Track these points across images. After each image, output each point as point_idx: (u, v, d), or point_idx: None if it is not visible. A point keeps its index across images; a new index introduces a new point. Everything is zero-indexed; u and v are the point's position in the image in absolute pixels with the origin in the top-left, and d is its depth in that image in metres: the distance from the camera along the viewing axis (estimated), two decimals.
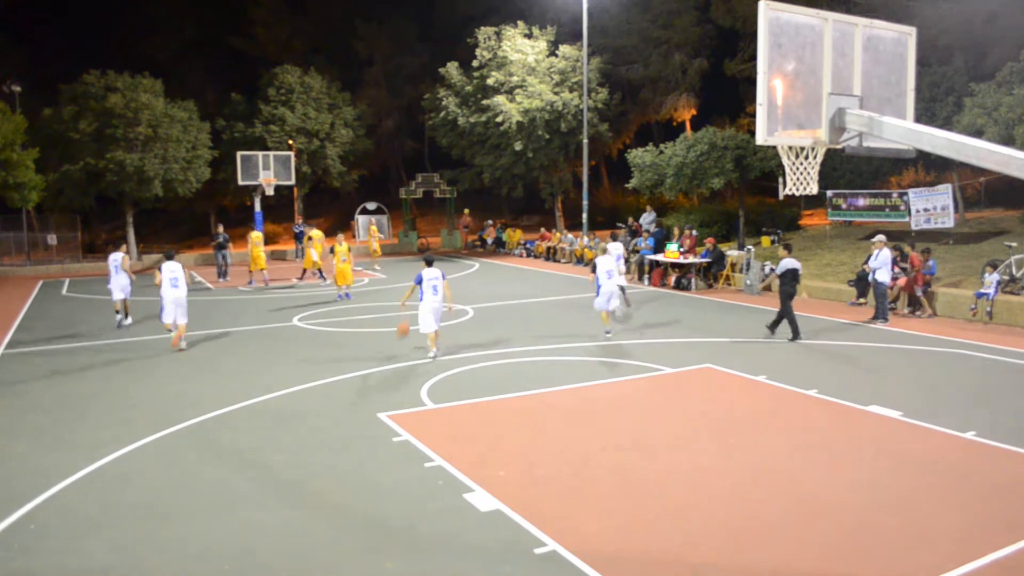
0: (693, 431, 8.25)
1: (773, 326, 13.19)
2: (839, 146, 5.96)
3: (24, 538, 5.84)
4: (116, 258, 15.24)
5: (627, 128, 37.38)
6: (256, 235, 22.89)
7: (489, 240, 32.92)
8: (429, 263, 12.27)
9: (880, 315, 14.31)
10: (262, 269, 22.16)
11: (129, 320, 15.38)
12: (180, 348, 12.93)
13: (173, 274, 12.84)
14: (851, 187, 23.47)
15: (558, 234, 29.32)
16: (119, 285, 15.07)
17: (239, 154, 29.63)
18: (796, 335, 12.81)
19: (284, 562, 5.40)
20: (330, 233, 24.55)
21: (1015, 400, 9.20)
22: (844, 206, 22.41)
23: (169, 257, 13.31)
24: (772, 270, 18.90)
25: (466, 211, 35.78)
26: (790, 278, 12.94)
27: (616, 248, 15.54)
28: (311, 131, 34.74)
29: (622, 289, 15.45)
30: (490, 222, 34.16)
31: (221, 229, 24.67)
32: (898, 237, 18.28)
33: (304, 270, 22.97)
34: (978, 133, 17.15)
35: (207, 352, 12.75)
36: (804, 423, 8.49)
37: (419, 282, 11.85)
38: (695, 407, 9.18)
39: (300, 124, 34.38)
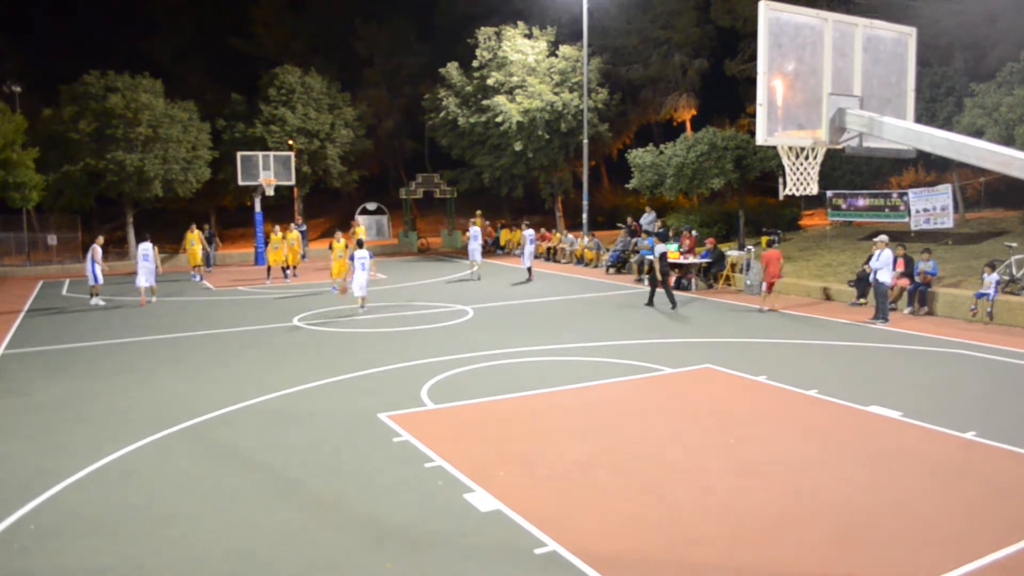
0: (693, 431, 8.25)
1: (671, 300, 16.28)
2: (839, 146, 5.95)
3: (24, 538, 5.84)
4: (92, 249, 18.79)
5: (627, 128, 37.37)
6: (192, 234, 24.41)
7: (489, 241, 32.88)
8: (360, 245, 16.39)
9: (880, 315, 14.31)
10: (196, 265, 24.43)
11: (96, 301, 18.46)
12: (150, 302, 18.52)
13: (144, 251, 18.60)
14: (851, 187, 23.47)
15: (558, 234, 29.32)
16: (91, 272, 18.50)
17: (239, 154, 29.63)
18: (672, 304, 16.21)
19: (284, 562, 5.40)
20: (330, 233, 24.92)
21: (1015, 400, 9.20)
22: (844, 206, 22.41)
23: (143, 239, 19.19)
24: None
25: (478, 213, 34.46)
26: (662, 260, 16.44)
27: (529, 234, 22.24)
28: (311, 131, 34.73)
29: (528, 270, 21.96)
30: (487, 223, 34.04)
31: (202, 228, 27.07)
32: (898, 237, 18.29)
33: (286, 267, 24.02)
34: (978, 133, 17.15)
35: (207, 352, 12.75)
36: (804, 423, 8.49)
37: (352, 259, 16.07)
38: (695, 407, 9.18)
39: (300, 124, 34.36)
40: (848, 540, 5.58)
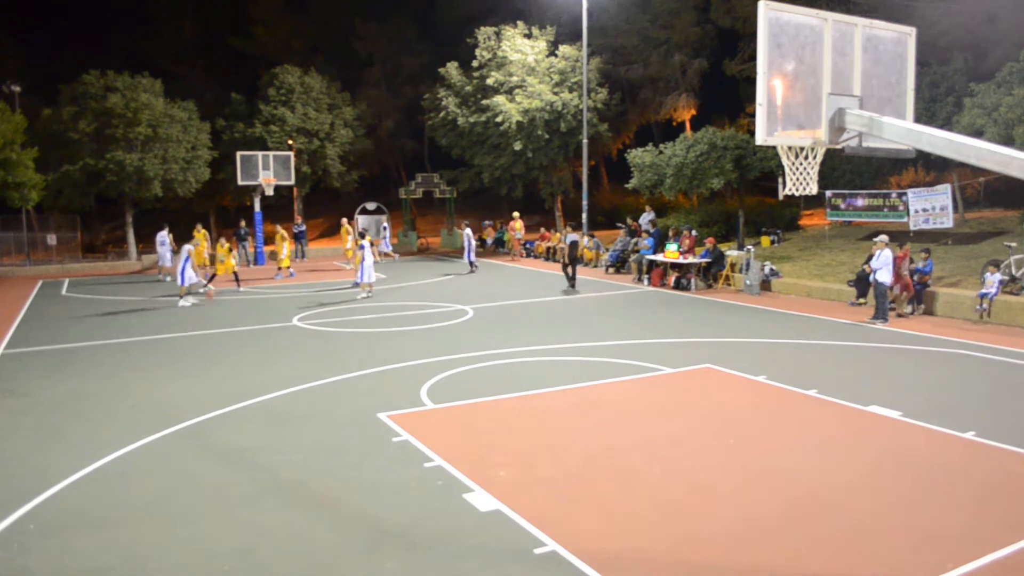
0: (693, 431, 8.25)
1: (572, 282, 19.74)
2: (839, 146, 5.95)
3: (24, 538, 5.84)
4: (187, 250, 18.57)
5: (627, 128, 37.36)
6: (199, 234, 23.66)
7: (489, 240, 32.89)
8: (361, 235, 19.33)
9: (880, 315, 14.31)
10: (200, 265, 24.07)
11: (184, 302, 18.22)
12: (165, 280, 22.93)
13: (162, 239, 23.98)
14: (851, 187, 23.47)
15: (558, 234, 29.30)
16: (180, 272, 18.36)
17: (239, 154, 29.60)
18: (572, 285, 19.67)
19: (284, 562, 5.40)
20: (330, 233, 24.95)
21: (1015, 400, 9.20)
22: (843, 206, 22.40)
23: (162, 228, 24.14)
24: (772, 269, 19.00)
25: (516, 214, 31.15)
26: (572, 247, 19.72)
27: (468, 233, 25.10)
28: (311, 131, 34.72)
29: (471, 263, 24.83)
30: (488, 222, 34.05)
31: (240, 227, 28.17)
32: (897, 238, 18.28)
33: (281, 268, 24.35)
34: (978, 133, 17.14)
35: (207, 352, 12.75)
36: (804, 423, 8.49)
37: (362, 248, 18.75)
38: (695, 407, 9.18)
39: (300, 124, 34.34)
40: (848, 540, 5.58)
